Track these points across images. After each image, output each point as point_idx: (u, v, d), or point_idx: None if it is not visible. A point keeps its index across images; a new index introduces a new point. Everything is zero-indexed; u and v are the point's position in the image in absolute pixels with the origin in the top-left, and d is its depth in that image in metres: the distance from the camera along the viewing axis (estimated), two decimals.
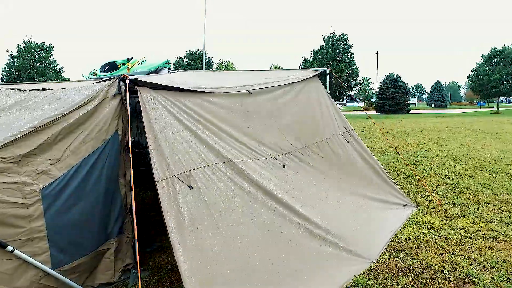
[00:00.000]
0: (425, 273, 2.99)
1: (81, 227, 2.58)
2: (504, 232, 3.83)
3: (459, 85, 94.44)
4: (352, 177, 4.47)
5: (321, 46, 35.63)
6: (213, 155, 3.08)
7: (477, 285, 2.81)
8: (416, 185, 5.89)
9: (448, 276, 2.94)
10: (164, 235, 3.72)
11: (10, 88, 4.14)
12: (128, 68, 6.60)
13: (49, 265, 2.35)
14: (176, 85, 3.25)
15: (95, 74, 6.51)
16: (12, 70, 33.17)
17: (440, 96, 56.76)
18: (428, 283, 2.85)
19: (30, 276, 2.24)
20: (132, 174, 3.02)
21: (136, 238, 2.57)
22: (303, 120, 4.40)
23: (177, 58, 43.72)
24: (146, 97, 2.93)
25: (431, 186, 5.84)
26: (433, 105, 56.93)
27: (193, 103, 3.27)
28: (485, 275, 2.93)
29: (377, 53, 50.61)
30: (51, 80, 29.61)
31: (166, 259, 3.41)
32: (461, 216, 4.36)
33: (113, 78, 2.95)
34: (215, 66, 46.39)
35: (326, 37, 35.59)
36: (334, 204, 3.84)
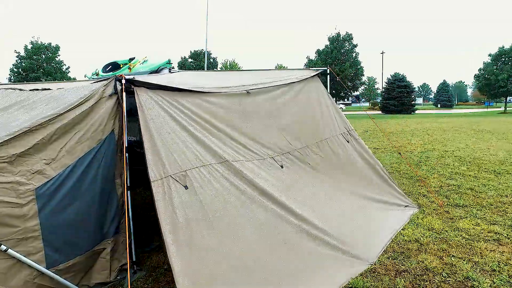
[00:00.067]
0: (424, 276, 2.95)
1: (76, 226, 2.58)
2: (507, 235, 3.76)
3: (466, 85, 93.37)
4: (352, 177, 4.43)
5: (326, 46, 35.51)
6: (210, 155, 3.06)
7: None
8: (419, 186, 5.82)
9: (447, 279, 2.89)
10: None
11: (11, 88, 4.17)
12: (129, 68, 6.62)
13: (43, 265, 2.35)
14: (174, 85, 3.24)
15: (97, 74, 6.55)
16: (20, 71, 33.58)
17: (446, 96, 56.19)
18: (426, 286, 2.81)
19: (24, 276, 2.25)
20: (128, 174, 3.03)
21: (127, 237, 2.57)
22: (303, 120, 4.37)
23: (181, 58, 43.86)
24: (142, 97, 2.92)
25: (434, 187, 5.77)
26: (439, 105, 56.38)
27: (191, 103, 3.26)
28: (485, 279, 2.88)
29: (382, 53, 50.30)
30: (58, 80, 29.93)
31: (163, 259, 3.40)
32: (463, 218, 4.29)
33: (109, 78, 2.96)
34: (219, 66, 46.46)
35: (331, 37, 35.45)
36: (333, 204, 3.81)
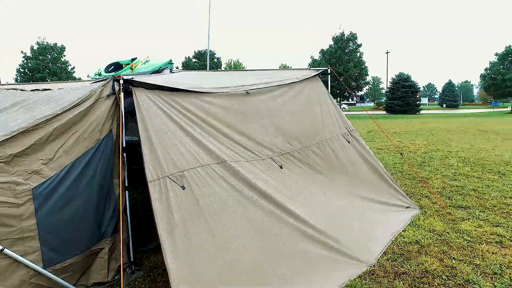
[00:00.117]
0: (423, 278, 2.91)
1: (73, 226, 2.59)
2: (510, 237, 3.70)
3: (472, 85, 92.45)
4: (352, 178, 4.39)
5: (330, 46, 35.36)
6: (208, 155, 3.06)
7: None
8: (421, 187, 5.76)
9: (447, 282, 2.85)
10: None
11: (13, 88, 4.20)
12: (131, 69, 6.65)
13: (40, 264, 2.36)
14: (172, 85, 3.24)
15: (100, 74, 6.59)
16: (26, 71, 33.94)
17: (452, 96, 55.65)
18: None
19: (20, 275, 2.26)
20: (125, 174, 3.03)
21: (121, 237, 2.57)
22: (303, 120, 4.35)
23: (185, 58, 43.97)
24: (140, 97, 2.92)
25: (437, 188, 5.71)
26: (444, 105, 55.85)
27: (189, 103, 3.25)
28: (486, 282, 2.84)
29: (387, 53, 49.92)
30: (63, 80, 30.16)
31: (161, 259, 3.38)
32: (466, 219, 4.23)
33: (107, 78, 2.96)
34: (223, 66, 46.50)
35: (335, 36, 35.30)
36: (332, 205, 3.78)
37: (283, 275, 2.78)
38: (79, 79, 31.67)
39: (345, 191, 4.18)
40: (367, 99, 74.86)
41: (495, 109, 43.65)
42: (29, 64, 33.83)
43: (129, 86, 2.92)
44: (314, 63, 35.69)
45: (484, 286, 2.77)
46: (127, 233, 3.05)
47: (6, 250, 2.17)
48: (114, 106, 2.91)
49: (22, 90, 4.00)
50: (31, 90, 3.78)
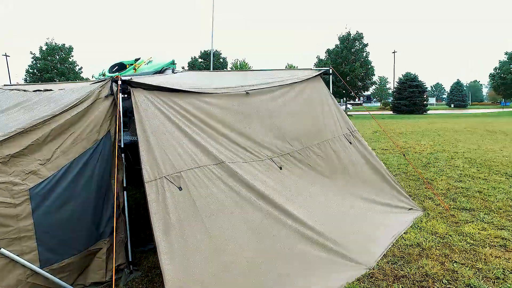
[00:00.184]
0: (423, 282, 2.86)
1: (71, 226, 2.60)
2: None
3: (481, 84, 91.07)
4: (354, 179, 4.35)
5: (336, 46, 35.10)
6: (206, 156, 3.05)
7: None
8: (425, 188, 5.68)
9: (448, 286, 2.80)
10: None
11: (16, 89, 4.26)
12: (135, 69, 6.69)
13: (37, 264, 2.38)
14: (172, 86, 3.24)
15: (104, 75, 6.64)
16: (35, 71, 34.42)
17: (460, 96, 54.87)
18: None
19: (17, 275, 2.28)
20: (124, 174, 3.04)
21: (114, 239, 2.58)
22: (304, 121, 4.32)
23: (191, 58, 44.12)
24: (139, 98, 2.93)
25: (441, 189, 5.62)
26: (452, 105, 55.10)
27: (188, 104, 3.25)
28: (488, 287, 2.78)
29: (394, 52, 49.43)
30: (71, 81, 30.52)
31: None
32: (469, 222, 4.16)
33: (105, 79, 2.98)
34: (229, 66, 46.55)
35: (341, 36, 35.04)
36: (332, 207, 3.74)
37: (280, 277, 2.76)
38: (87, 79, 32.03)
39: (346, 192, 4.14)
40: (374, 99, 74.24)
41: (505, 109, 42.89)
42: (38, 65, 34.29)
43: (127, 86, 2.93)
44: (320, 63, 35.49)
45: None
46: (125, 233, 3.06)
47: (2, 250, 2.19)
48: (113, 106, 2.92)
49: (25, 91, 4.05)
50: (33, 91, 3.82)
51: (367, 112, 38.24)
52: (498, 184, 5.80)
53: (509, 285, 2.79)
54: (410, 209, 4.45)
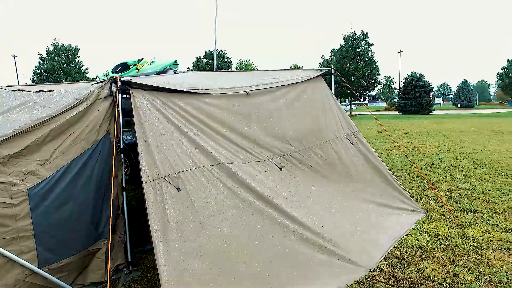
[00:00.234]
0: (424, 285, 2.82)
1: (70, 226, 2.62)
2: None
3: (488, 84, 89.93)
4: (355, 180, 4.31)
5: (341, 45, 34.94)
6: (205, 157, 3.04)
7: None
8: (429, 189, 5.62)
9: None
10: None
11: (19, 90, 4.29)
12: (138, 69, 6.72)
13: (35, 264, 2.39)
14: (170, 86, 3.24)
15: (108, 75, 6.69)
16: (42, 71, 34.84)
17: (467, 96, 54.21)
18: None
19: (15, 274, 2.29)
20: (123, 175, 3.05)
21: (109, 240, 2.58)
22: (305, 121, 4.29)
23: (196, 58, 44.25)
24: (138, 98, 2.93)
25: (445, 190, 5.55)
26: (459, 105, 54.49)
27: (188, 105, 3.25)
28: None
29: (399, 52, 49.05)
30: (77, 81, 30.81)
31: None
32: (473, 224, 4.10)
33: (105, 80, 2.99)
34: (234, 66, 46.59)
35: (346, 36, 34.87)
36: (333, 208, 3.71)
37: (278, 278, 2.75)
38: (93, 79, 32.27)
39: (347, 194, 4.11)
40: (380, 99, 73.76)
41: None
42: (45, 65, 34.70)
43: (127, 87, 2.93)
44: (325, 63, 35.35)
45: None
46: (125, 233, 3.07)
47: (1, 249, 2.20)
48: (112, 107, 2.93)
49: (27, 91, 4.08)
50: (36, 92, 3.85)
51: (365, 112, 37.98)
52: (503, 186, 5.71)
53: None
54: (412, 210, 4.41)
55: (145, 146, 2.76)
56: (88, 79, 34.82)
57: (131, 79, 2.98)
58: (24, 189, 2.34)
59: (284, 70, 5.01)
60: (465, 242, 3.62)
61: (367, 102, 64.43)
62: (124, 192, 3.05)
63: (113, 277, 3.01)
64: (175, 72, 6.02)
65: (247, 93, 3.81)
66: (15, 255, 2.28)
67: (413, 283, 2.85)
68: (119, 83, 2.87)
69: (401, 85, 40.23)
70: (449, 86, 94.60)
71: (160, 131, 2.90)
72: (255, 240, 2.86)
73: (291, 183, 3.63)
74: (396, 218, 4.08)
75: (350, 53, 33.68)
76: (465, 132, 14.24)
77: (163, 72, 6.12)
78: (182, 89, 3.27)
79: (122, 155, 3.03)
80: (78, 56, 36.67)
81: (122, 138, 3.08)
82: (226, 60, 43.62)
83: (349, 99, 37.47)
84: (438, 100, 62.73)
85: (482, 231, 3.88)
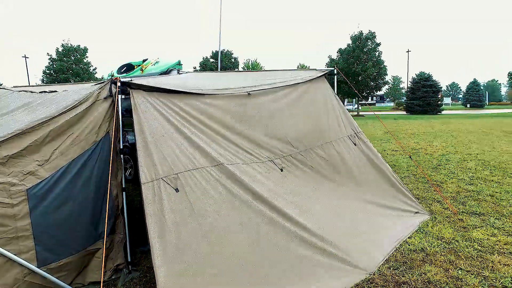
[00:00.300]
0: None
1: (69, 226, 2.63)
2: None
3: (499, 84, 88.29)
4: (358, 182, 4.26)
5: (348, 45, 34.67)
6: (204, 158, 3.04)
7: None
8: (434, 191, 5.53)
9: None
10: None
11: (24, 91, 4.35)
12: (142, 70, 6.75)
13: (34, 263, 2.41)
14: (171, 87, 3.24)
15: (112, 75, 6.74)
16: (51, 72, 35.36)
17: (477, 96, 53.30)
18: None
19: (14, 273, 2.32)
20: (123, 175, 3.06)
21: (105, 242, 2.58)
22: (307, 121, 4.26)
23: (203, 58, 44.42)
24: (138, 99, 2.94)
25: (451, 192, 5.46)
26: (468, 105, 53.61)
27: (188, 105, 3.25)
28: None
29: (408, 51, 48.48)
30: (85, 81, 31.11)
31: None
32: (478, 227, 4.01)
33: (104, 81, 3.00)
34: (241, 66, 46.63)
35: (353, 35, 34.59)
36: (334, 210, 3.68)
37: (278, 281, 2.72)
38: (101, 79, 32.59)
39: (350, 195, 4.06)
40: (387, 99, 73.02)
41: None
42: (55, 66, 35.22)
43: (127, 88, 2.94)
44: (332, 63, 35.13)
45: None
46: (124, 233, 3.08)
47: (0, 249, 2.23)
48: (112, 108, 2.94)
49: (32, 92, 4.13)
50: (39, 92, 3.89)
51: (378, 112, 37.62)
52: None
53: None
54: (416, 212, 4.34)
55: (144, 147, 2.76)
56: (96, 79, 35.20)
57: (131, 80, 2.99)
58: (23, 189, 2.36)
59: (287, 70, 4.98)
60: (470, 245, 3.54)
61: (375, 102, 63.83)
62: (124, 192, 3.06)
63: (113, 277, 3.03)
64: (178, 73, 6.03)
65: (248, 94, 3.80)
66: (14, 254, 2.30)
67: (414, 287, 2.80)
68: (118, 84, 2.89)
69: (409, 85, 39.77)
70: (459, 86, 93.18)
71: (159, 132, 2.91)
72: (253, 241, 2.84)
73: (292, 184, 3.60)
74: (399, 220, 4.02)
75: (357, 52, 33.40)
76: (474, 133, 13.99)
77: (166, 72, 6.14)
78: (182, 90, 3.26)
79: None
80: (87, 57, 37.13)
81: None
82: (233, 60, 43.67)
83: (356, 99, 37.15)
84: (447, 100, 61.80)
85: (487, 234, 3.80)
